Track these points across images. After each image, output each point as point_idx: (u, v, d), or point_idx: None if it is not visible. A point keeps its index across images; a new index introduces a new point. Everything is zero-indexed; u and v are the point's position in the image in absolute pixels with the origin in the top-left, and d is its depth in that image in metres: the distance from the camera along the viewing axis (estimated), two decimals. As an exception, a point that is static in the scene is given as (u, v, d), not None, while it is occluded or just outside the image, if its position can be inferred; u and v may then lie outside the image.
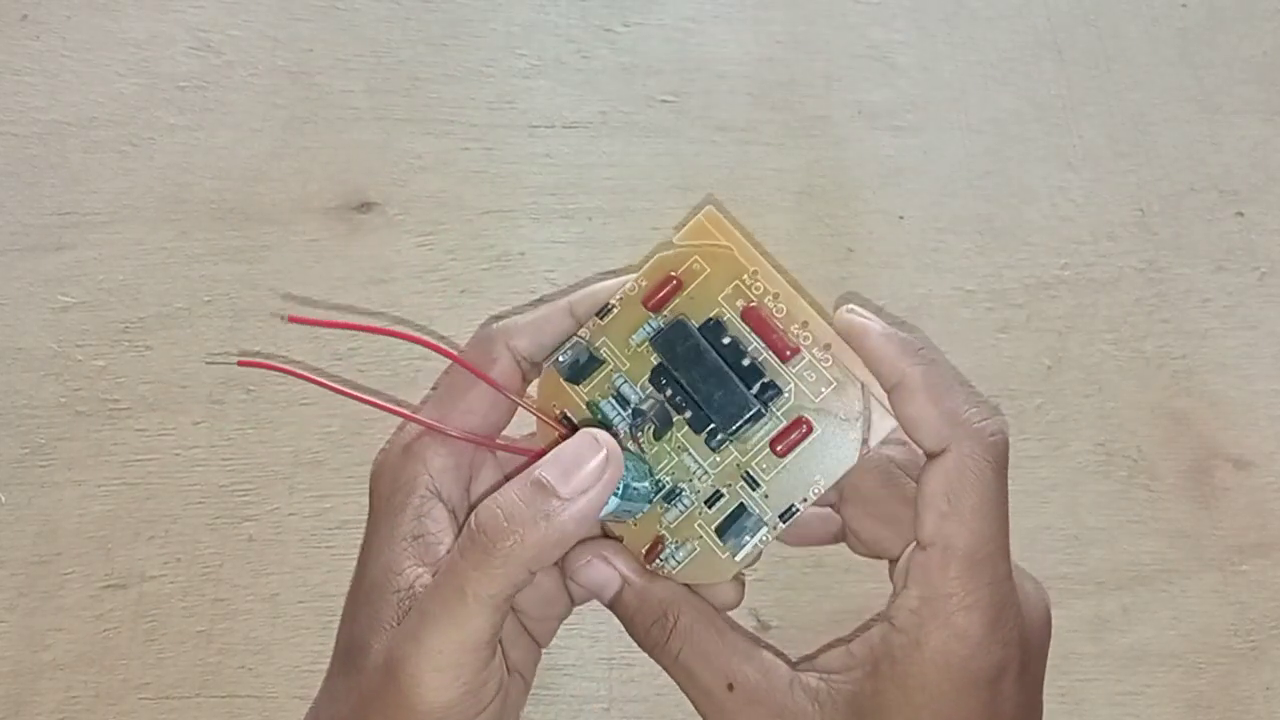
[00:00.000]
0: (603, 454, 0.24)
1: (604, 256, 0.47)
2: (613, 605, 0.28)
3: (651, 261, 0.28)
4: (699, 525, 0.28)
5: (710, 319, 0.28)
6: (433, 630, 0.24)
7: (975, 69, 0.52)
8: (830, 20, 0.53)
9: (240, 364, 0.26)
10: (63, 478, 0.42)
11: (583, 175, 0.48)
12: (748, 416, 0.27)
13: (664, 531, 0.28)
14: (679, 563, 0.28)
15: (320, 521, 0.42)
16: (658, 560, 0.28)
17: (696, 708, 0.27)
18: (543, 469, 0.24)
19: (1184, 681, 0.41)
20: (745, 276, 0.28)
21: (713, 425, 0.27)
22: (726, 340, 0.27)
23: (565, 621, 0.31)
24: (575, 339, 0.28)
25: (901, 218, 0.48)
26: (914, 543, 0.26)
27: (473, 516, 0.24)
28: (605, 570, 0.27)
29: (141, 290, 0.45)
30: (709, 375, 0.27)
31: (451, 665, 0.24)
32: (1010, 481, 0.43)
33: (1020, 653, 0.26)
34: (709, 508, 0.28)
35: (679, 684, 0.27)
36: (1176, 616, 0.42)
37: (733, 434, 0.27)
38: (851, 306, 0.27)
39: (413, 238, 0.47)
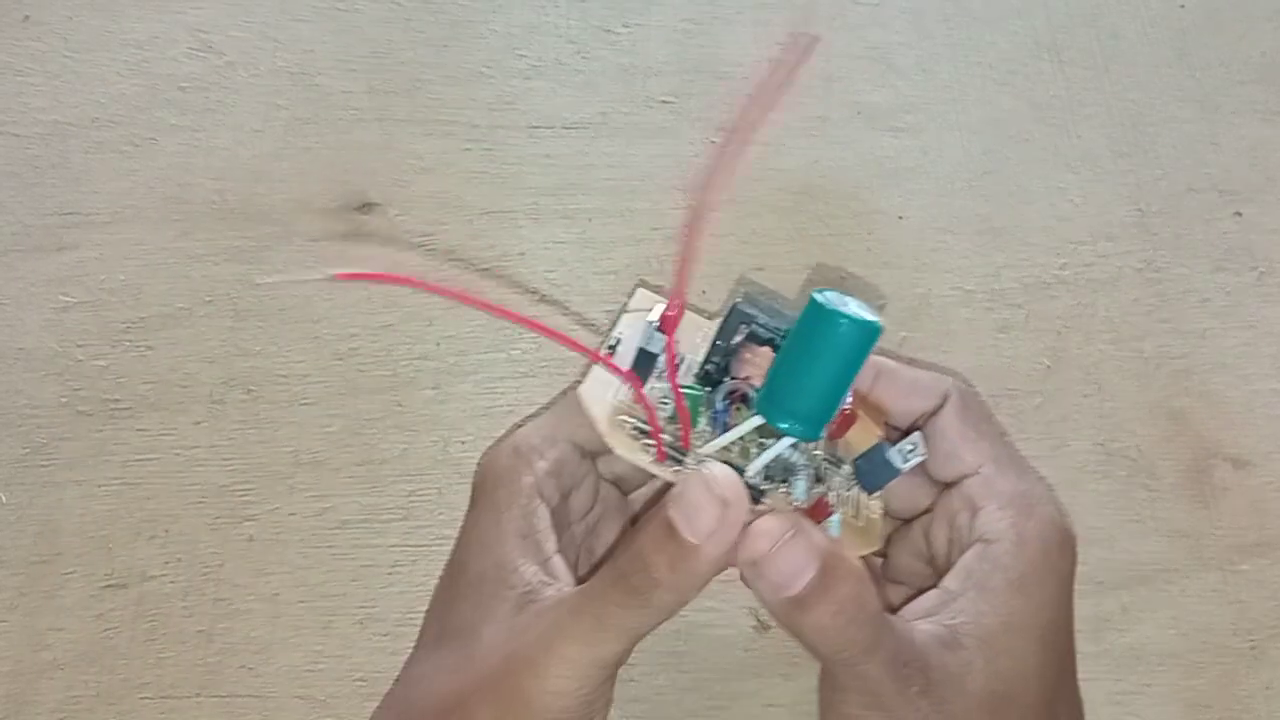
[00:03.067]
0: (718, 498, 0.24)
1: (604, 257, 0.47)
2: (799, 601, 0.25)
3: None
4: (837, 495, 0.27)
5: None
6: (568, 644, 0.25)
7: (974, 70, 0.52)
8: (830, 21, 0.53)
9: (338, 277, 0.25)
10: (63, 477, 0.42)
11: (583, 176, 0.49)
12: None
13: (830, 498, 0.26)
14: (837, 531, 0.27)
15: (321, 521, 0.42)
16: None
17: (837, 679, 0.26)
18: (671, 508, 0.24)
19: (1184, 681, 0.41)
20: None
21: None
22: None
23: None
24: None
25: (901, 218, 0.48)
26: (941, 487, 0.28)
27: (620, 556, 0.25)
28: (799, 557, 0.24)
29: (143, 290, 0.46)
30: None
31: (579, 677, 0.25)
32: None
33: (1061, 542, 0.28)
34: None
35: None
36: (1176, 616, 0.42)
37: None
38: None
39: (413, 238, 0.47)
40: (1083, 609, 0.41)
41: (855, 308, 0.24)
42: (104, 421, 0.43)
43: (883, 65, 0.52)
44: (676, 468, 0.26)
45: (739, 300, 0.27)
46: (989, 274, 0.47)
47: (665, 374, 0.26)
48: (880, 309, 0.27)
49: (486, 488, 0.29)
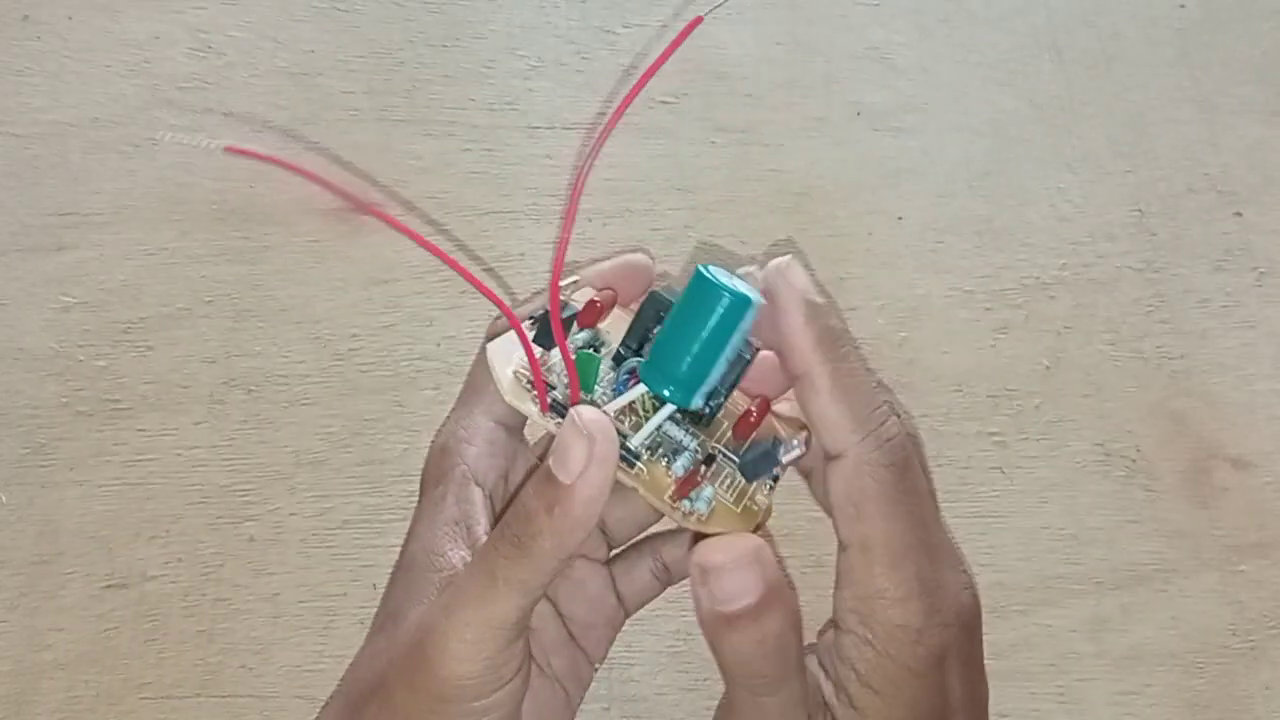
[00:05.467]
0: (585, 435, 0.24)
1: (604, 258, 0.47)
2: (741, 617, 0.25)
3: None
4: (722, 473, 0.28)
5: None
6: (464, 606, 0.25)
7: (974, 70, 0.52)
8: (830, 21, 0.53)
9: (229, 150, 0.25)
10: (64, 478, 0.42)
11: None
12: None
13: (703, 474, 0.27)
14: (706, 506, 0.27)
15: (321, 522, 0.42)
16: (686, 501, 0.27)
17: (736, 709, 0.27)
18: (549, 458, 0.25)
19: (1183, 681, 0.41)
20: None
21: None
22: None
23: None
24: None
25: (901, 218, 0.48)
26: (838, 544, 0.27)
27: (506, 511, 0.26)
28: (745, 580, 0.25)
29: (142, 290, 0.46)
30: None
31: (477, 639, 0.25)
32: (1009, 481, 0.44)
33: (960, 633, 0.26)
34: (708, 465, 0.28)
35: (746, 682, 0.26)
36: (1175, 616, 0.42)
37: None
38: (786, 262, 0.27)
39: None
40: (1082, 609, 0.42)
41: (736, 283, 0.26)
42: (104, 421, 0.43)
43: (883, 65, 0.52)
44: (559, 420, 0.27)
45: (658, 288, 0.28)
46: (988, 274, 0.47)
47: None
48: (756, 273, 0.27)
49: (427, 484, 0.29)
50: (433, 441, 0.30)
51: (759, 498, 0.28)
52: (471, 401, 0.30)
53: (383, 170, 0.48)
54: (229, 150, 0.24)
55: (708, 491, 0.27)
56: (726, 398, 0.28)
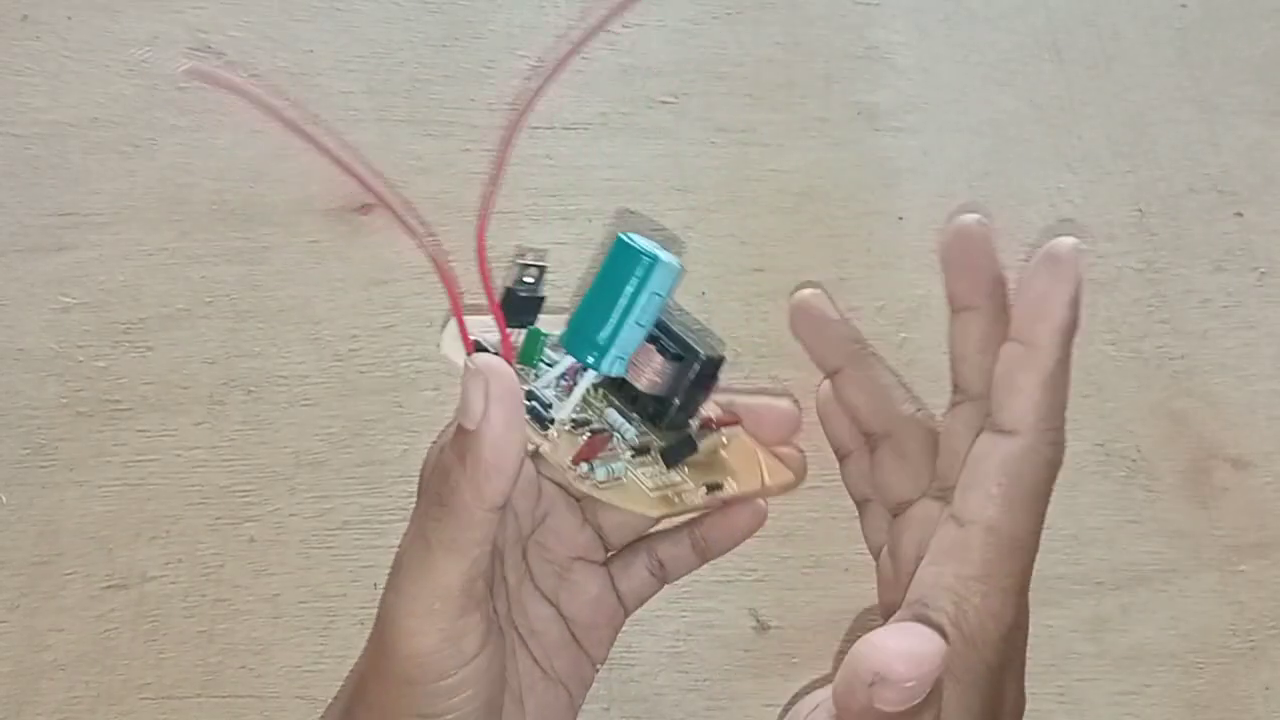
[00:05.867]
0: (480, 376, 0.24)
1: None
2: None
3: None
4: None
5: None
6: (406, 579, 0.25)
7: (974, 70, 0.52)
8: (830, 21, 0.53)
9: (184, 70, 0.25)
10: (64, 478, 0.42)
11: (582, 177, 0.49)
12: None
13: (613, 441, 0.27)
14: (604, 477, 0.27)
15: (321, 522, 0.42)
16: (585, 464, 0.27)
17: None
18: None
19: (1183, 681, 0.41)
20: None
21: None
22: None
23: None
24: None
25: (901, 218, 0.48)
26: (946, 517, 0.25)
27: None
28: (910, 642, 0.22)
29: (142, 291, 0.46)
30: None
31: (425, 611, 0.24)
32: (1009, 482, 0.44)
33: (1024, 637, 0.26)
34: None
35: None
36: (1175, 616, 0.42)
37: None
38: (1078, 243, 0.25)
39: (413, 238, 0.47)
40: (1083, 609, 0.42)
41: (656, 249, 0.26)
42: (104, 422, 0.43)
43: (883, 65, 0.52)
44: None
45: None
46: (989, 274, 0.47)
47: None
48: (675, 242, 0.28)
49: (422, 486, 0.29)
50: (433, 444, 0.30)
51: (687, 494, 0.28)
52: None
53: (383, 170, 0.48)
54: (190, 72, 0.24)
55: (617, 465, 0.27)
56: (691, 400, 0.28)
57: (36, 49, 0.50)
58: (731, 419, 0.29)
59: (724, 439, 0.30)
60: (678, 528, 0.32)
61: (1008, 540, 0.25)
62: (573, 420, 0.27)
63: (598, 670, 0.32)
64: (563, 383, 0.27)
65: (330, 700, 0.29)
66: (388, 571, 0.41)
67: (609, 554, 0.32)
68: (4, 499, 0.42)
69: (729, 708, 0.40)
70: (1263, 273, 0.48)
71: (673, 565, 0.33)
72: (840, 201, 0.49)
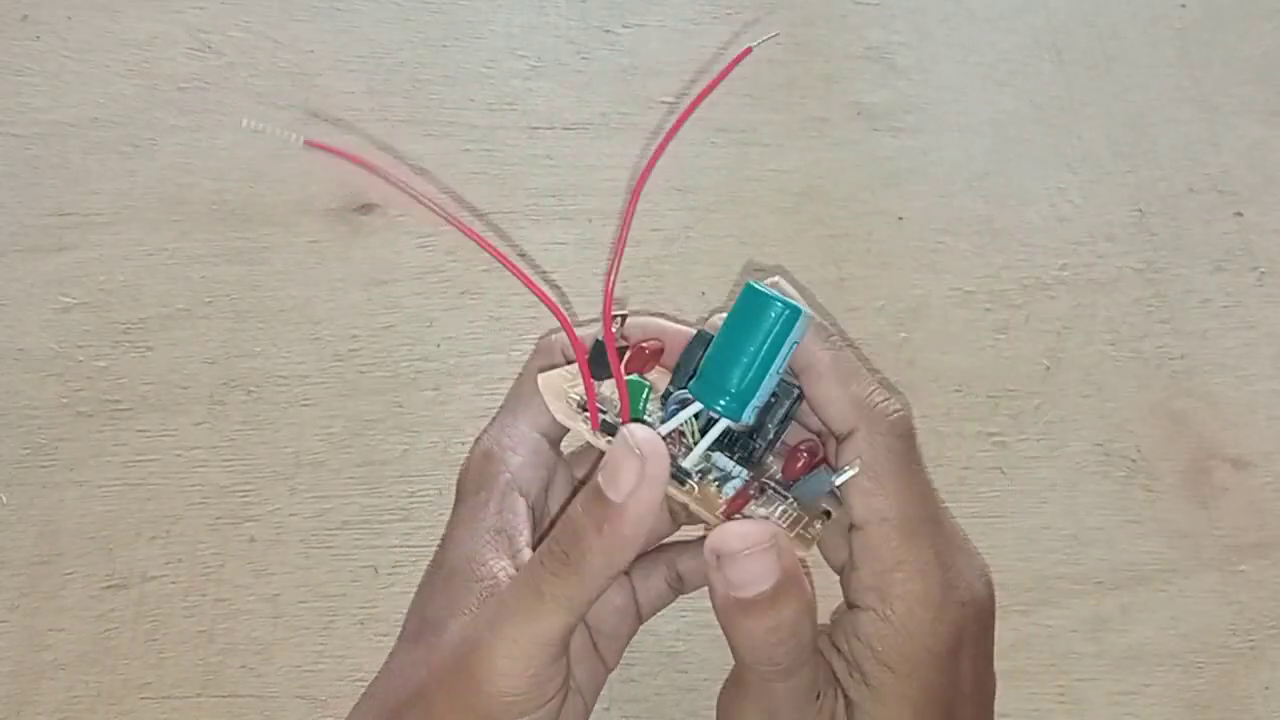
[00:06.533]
0: (636, 454, 0.24)
1: (604, 258, 0.47)
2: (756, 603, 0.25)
3: None
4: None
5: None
6: (510, 622, 0.25)
7: (974, 70, 0.52)
8: (830, 21, 0.53)
9: (307, 143, 0.26)
10: (64, 478, 0.42)
11: (583, 177, 0.49)
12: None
13: (753, 491, 0.27)
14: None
15: (321, 522, 0.42)
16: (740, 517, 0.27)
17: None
18: (599, 475, 0.25)
19: (1183, 681, 0.41)
20: None
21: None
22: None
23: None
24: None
25: (901, 218, 0.48)
26: (850, 527, 0.27)
27: (555, 528, 0.26)
28: (762, 567, 0.24)
29: (142, 291, 0.46)
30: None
31: (523, 655, 0.25)
32: (1009, 481, 0.44)
33: (975, 619, 0.26)
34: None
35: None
36: (1175, 616, 0.42)
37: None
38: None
39: (413, 239, 0.47)
40: (1082, 609, 0.42)
41: (786, 296, 0.26)
42: (104, 422, 0.43)
43: (883, 65, 0.52)
44: (610, 438, 0.27)
45: (704, 328, 0.28)
46: (988, 275, 0.47)
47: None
48: (805, 292, 0.27)
49: (468, 489, 0.29)
50: (473, 447, 0.30)
51: (815, 527, 0.28)
52: (517, 411, 0.30)
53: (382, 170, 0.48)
54: (309, 144, 0.25)
55: (761, 513, 0.27)
56: (778, 437, 0.27)
57: (36, 49, 0.50)
58: (815, 449, 0.29)
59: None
60: (697, 540, 0.32)
61: (902, 523, 0.26)
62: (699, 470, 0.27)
63: (608, 675, 0.32)
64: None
65: (360, 699, 0.29)
66: (391, 570, 0.41)
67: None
68: (4, 499, 0.42)
69: (729, 708, 0.40)
70: (1263, 273, 0.48)
71: (690, 578, 0.33)
72: (840, 201, 0.49)
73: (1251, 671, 0.41)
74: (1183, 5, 0.53)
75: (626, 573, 0.32)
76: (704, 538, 0.32)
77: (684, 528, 0.32)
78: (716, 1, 0.53)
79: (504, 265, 0.25)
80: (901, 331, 0.46)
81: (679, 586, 0.33)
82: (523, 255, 0.47)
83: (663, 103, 0.50)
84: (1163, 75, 0.52)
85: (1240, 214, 0.49)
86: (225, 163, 0.48)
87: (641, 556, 0.32)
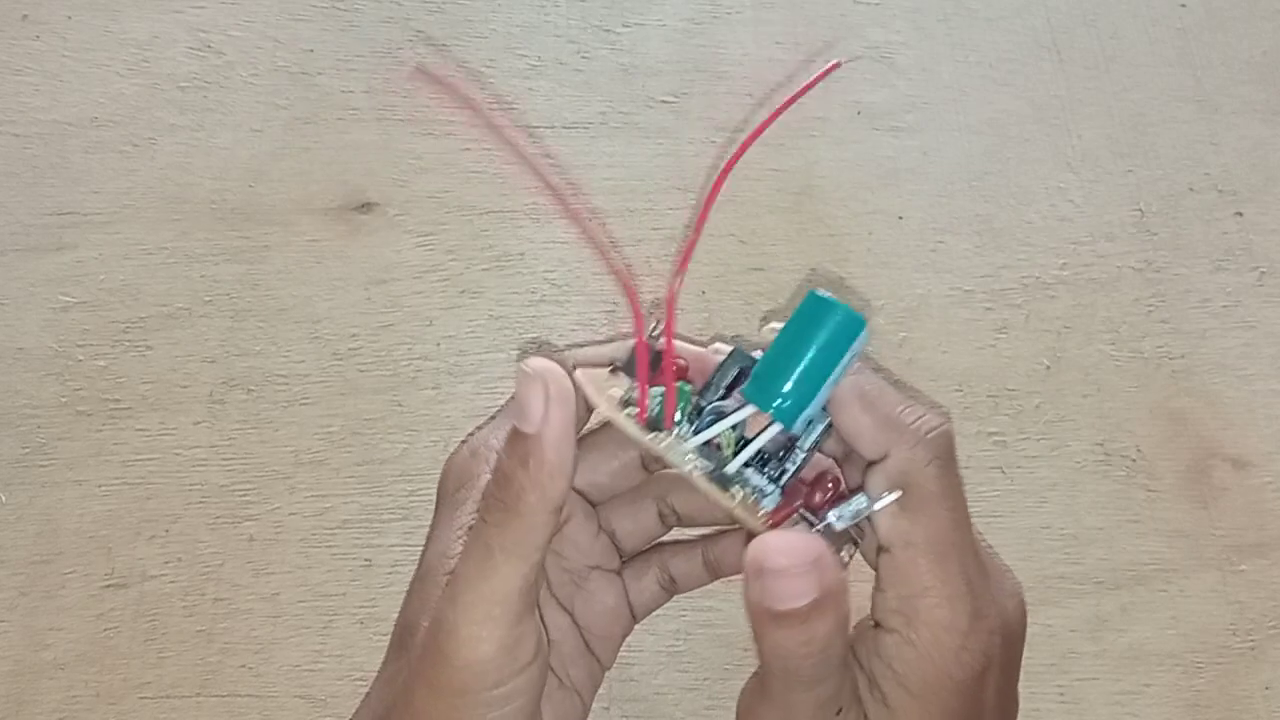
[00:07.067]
0: (538, 380, 0.24)
1: (603, 258, 0.47)
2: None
3: None
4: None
5: None
6: (465, 587, 0.25)
7: (974, 70, 0.52)
8: (830, 21, 0.53)
9: (415, 72, 0.25)
10: (63, 477, 0.42)
11: (583, 176, 0.49)
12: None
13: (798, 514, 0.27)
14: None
15: (320, 521, 0.42)
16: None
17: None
18: (513, 418, 0.25)
19: (1183, 681, 0.41)
20: None
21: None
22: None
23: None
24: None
25: (901, 218, 0.48)
26: (878, 548, 0.26)
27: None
28: (803, 586, 0.23)
29: (142, 290, 0.46)
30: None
31: (485, 618, 0.24)
32: (1009, 481, 0.44)
33: (1003, 641, 0.26)
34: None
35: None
36: (1175, 616, 0.42)
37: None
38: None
39: (413, 238, 0.47)
40: (1081, 609, 0.42)
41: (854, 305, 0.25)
42: (104, 421, 0.43)
43: (883, 65, 0.52)
44: (653, 434, 0.27)
45: (739, 345, 0.28)
46: (988, 274, 0.47)
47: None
48: (868, 306, 0.27)
49: (447, 489, 0.29)
50: (459, 447, 0.29)
51: (843, 554, 0.27)
52: (511, 415, 0.29)
53: (383, 170, 0.48)
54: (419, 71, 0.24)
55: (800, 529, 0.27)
56: (806, 461, 0.27)
57: (36, 49, 0.50)
58: (839, 481, 0.28)
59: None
60: (690, 542, 0.32)
61: (930, 548, 0.25)
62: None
63: (604, 675, 0.32)
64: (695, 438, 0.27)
65: (352, 713, 0.29)
66: (387, 571, 0.41)
67: (622, 561, 0.32)
68: (3, 498, 0.42)
69: (729, 707, 0.40)
70: (1263, 272, 0.48)
71: (683, 580, 0.33)
72: (840, 201, 0.49)
73: (1251, 671, 0.41)
74: (1183, 5, 0.53)
75: (619, 573, 0.32)
76: (696, 540, 0.32)
77: (674, 530, 0.32)
78: (716, 1, 0.53)
79: (599, 255, 0.24)
80: (901, 331, 0.46)
81: (671, 588, 0.33)
82: (522, 255, 0.47)
83: (663, 102, 0.50)
84: (1163, 75, 0.52)
85: (1240, 214, 0.49)
86: (225, 162, 0.48)
87: (633, 557, 0.32)
